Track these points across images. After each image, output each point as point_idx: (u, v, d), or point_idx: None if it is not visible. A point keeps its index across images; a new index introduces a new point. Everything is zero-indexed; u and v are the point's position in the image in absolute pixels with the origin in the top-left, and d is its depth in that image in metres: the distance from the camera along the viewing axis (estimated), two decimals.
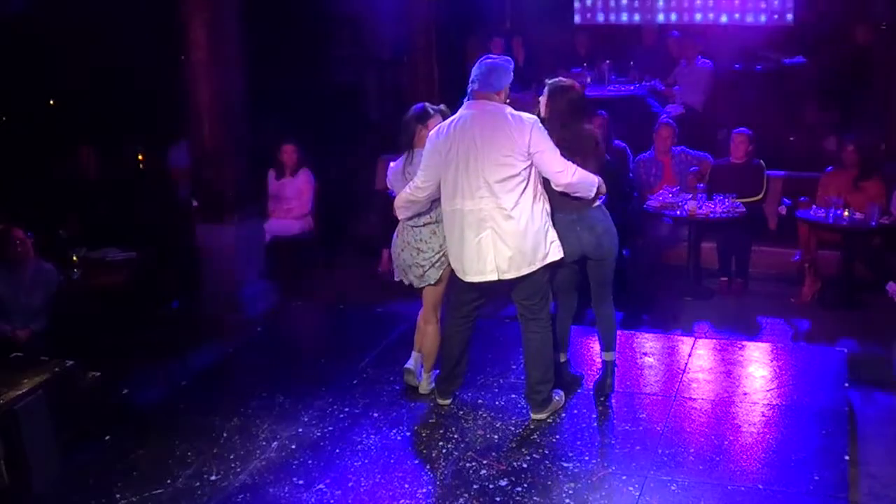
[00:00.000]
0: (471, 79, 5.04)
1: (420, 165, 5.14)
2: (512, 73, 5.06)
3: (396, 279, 5.58)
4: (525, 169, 4.91)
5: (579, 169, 5.00)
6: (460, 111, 5.06)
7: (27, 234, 6.38)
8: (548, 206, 5.05)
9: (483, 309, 5.43)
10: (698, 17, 10.83)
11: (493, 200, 4.92)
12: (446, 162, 5.00)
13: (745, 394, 5.58)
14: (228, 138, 7.54)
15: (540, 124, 4.97)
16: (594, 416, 5.36)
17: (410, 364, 5.64)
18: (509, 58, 5.19)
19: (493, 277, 5.02)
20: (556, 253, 5.06)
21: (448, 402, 5.50)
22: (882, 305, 6.99)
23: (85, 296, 6.54)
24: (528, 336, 5.22)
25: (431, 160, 5.06)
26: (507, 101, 5.05)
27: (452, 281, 5.34)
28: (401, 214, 5.33)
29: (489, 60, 5.08)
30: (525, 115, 4.99)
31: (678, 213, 7.55)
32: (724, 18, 10.75)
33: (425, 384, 5.60)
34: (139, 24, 8.87)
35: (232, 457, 5.06)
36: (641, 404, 5.49)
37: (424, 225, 5.32)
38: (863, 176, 7.54)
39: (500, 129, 4.90)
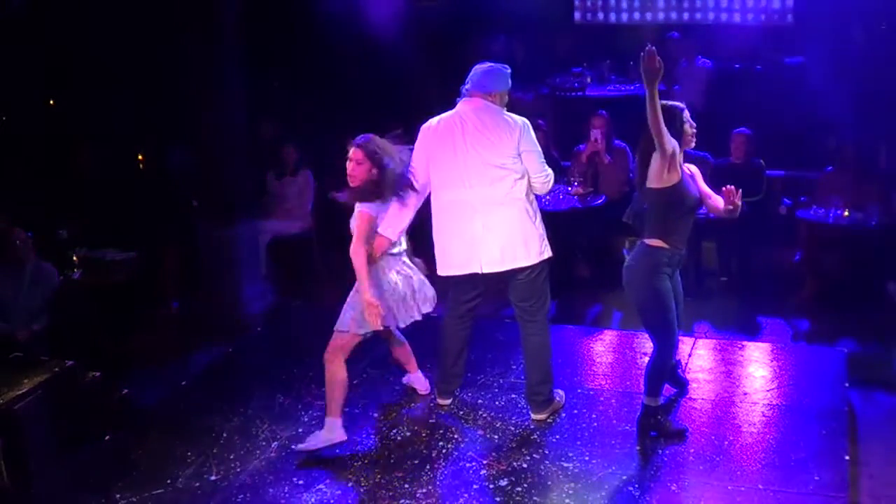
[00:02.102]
0: (465, 81, 5.11)
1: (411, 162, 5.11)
2: (509, 80, 5.11)
3: (384, 326, 5.00)
4: (515, 165, 5.00)
5: (552, 178, 5.11)
6: (455, 109, 5.13)
7: (27, 234, 6.38)
8: (536, 204, 5.12)
9: (479, 309, 5.42)
10: (698, 16, 10.82)
11: (482, 192, 4.98)
12: (436, 155, 5.07)
13: (745, 394, 5.58)
14: (228, 139, 7.54)
15: (529, 125, 5.07)
16: (594, 416, 5.36)
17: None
18: (506, 65, 5.20)
19: (481, 270, 5.05)
20: (547, 251, 5.11)
21: (448, 402, 5.50)
22: (882, 305, 6.99)
23: (85, 296, 6.54)
24: (526, 338, 5.23)
25: (420, 155, 5.11)
26: (505, 108, 5.10)
27: (454, 280, 5.32)
28: (394, 234, 4.99)
29: (485, 65, 5.12)
30: (516, 116, 5.09)
31: None
32: (723, 18, 10.74)
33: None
34: (140, 24, 8.87)
35: (232, 457, 5.06)
36: (641, 404, 5.48)
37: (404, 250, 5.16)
38: (862, 176, 7.53)
39: (492, 126, 5.00)
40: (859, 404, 5.77)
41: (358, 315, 4.93)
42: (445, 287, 5.37)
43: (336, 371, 4.97)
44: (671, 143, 4.63)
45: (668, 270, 4.87)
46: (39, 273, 6.37)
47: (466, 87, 5.08)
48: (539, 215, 5.13)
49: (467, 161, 4.99)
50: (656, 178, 4.71)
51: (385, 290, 4.98)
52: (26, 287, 6.28)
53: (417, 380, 5.62)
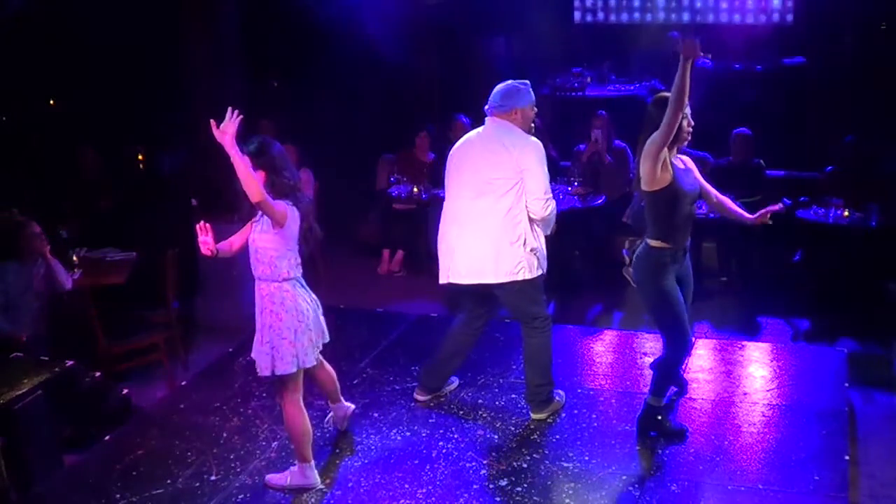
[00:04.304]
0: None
1: None
2: (528, 95, 5.06)
3: (311, 363, 4.63)
4: (507, 182, 4.94)
5: (553, 205, 5.00)
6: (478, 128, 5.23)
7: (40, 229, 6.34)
8: (529, 226, 4.99)
9: (488, 322, 5.45)
10: (699, 17, 10.83)
11: (466, 204, 5.04)
12: (451, 171, 5.17)
13: (745, 394, 5.58)
14: None
15: (537, 145, 5.00)
16: (594, 416, 5.36)
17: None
18: (527, 81, 5.17)
19: (449, 279, 5.13)
20: (525, 273, 4.98)
21: (424, 398, 5.49)
22: (882, 305, 6.99)
23: (85, 296, 6.53)
24: (525, 340, 5.27)
25: (446, 172, 5.26)
26: (533, 124, 5.07)
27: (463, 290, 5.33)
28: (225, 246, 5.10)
29: (503, 84, 5.09)
30: (528, 137, 5.02)
31: None
32: (723, 18, 10.75)
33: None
34: (140, 24, 8.87)
35: (232, 457, 5.06)
36: (641, 404, 5.48)
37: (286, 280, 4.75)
38: (862, 176, 7.53)
39: (496, 144, 5.00)
40: (859, 404, 5.77)
41: (283, 353, 4.55)
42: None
43: (294, 414, 4.60)
44: (671, 138, 4.63)
45: (673, 267, 4.87)
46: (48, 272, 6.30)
47: (487, 107, 5.11)
48: (527, 237, 4.97)
49: (463, 175, 5.07)
50: (649, 180, 4.70)
51: (306, 318, 4.63)
52: (35, 285, 6.20)
53: (340, 408, 5.24)
